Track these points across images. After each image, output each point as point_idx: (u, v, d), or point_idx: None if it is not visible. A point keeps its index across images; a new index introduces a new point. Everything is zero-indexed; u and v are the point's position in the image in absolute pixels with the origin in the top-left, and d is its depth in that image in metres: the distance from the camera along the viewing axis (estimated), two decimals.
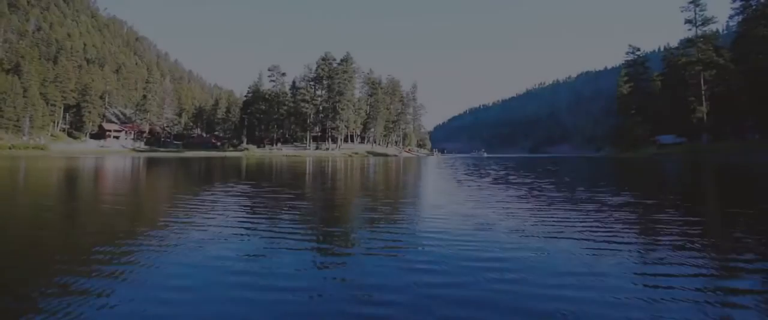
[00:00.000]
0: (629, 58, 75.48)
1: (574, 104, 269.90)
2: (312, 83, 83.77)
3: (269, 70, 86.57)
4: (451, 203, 6.76)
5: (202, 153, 75.99)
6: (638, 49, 74.83)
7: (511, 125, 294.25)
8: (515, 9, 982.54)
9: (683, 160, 33.66)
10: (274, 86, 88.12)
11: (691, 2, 58.45)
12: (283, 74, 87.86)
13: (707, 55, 56.56)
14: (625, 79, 77.95)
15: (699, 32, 58.94)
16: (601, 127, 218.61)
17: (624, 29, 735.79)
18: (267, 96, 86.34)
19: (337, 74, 75.92)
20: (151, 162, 26.66)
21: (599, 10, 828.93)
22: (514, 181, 11.49)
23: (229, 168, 19.84)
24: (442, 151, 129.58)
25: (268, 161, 33.88)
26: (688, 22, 59.40)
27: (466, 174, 15.61)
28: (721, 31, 73.64)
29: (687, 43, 61.55)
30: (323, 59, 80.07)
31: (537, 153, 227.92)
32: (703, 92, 57.50)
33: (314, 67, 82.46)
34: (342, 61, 78.57)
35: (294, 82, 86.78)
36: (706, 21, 58.31)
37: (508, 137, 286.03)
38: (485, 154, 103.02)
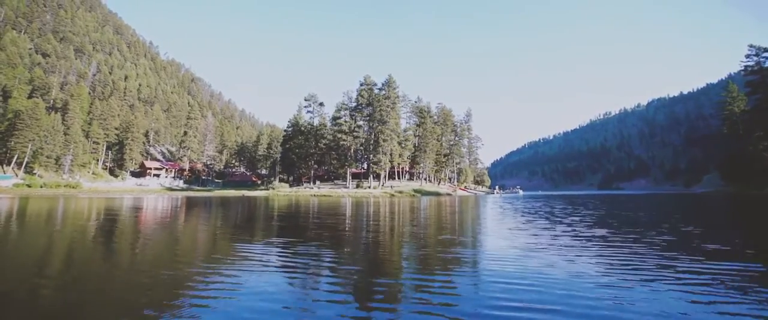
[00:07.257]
0: (750, 64, 57.67)
1: (647, 134, 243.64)
2: (352, 113, 74.67)
3: (306, 99, 78.99)
4: None
5: (231, 192, 69.71)
6: (766, 50, 56.14)
7: (575, 159, 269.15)
8: (572, 43, 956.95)
9: None
10: (311, 118, 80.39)
11: None
12: (321, 104, 79.72)
13: None
14: (747, 90, 60.84)
15: None
16: (684, 158, 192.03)
17: (686, 55, 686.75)
18: (303, 129, 78.69)
19: (378, 101, 65.80)
20: (163, 205, 23.72)
21: (664, 36, 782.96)
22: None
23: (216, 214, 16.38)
24: (503, 188, 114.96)
25: (281, 204, 25.89)
26: None
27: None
28: None
29: None
30: (362, 84, 71.05)
31: (609, 189, 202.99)
32: None
33: (354, 95, 73.96)
34: (384, 85, 68.28)
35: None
36: None
37: (573, 172, 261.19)
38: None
